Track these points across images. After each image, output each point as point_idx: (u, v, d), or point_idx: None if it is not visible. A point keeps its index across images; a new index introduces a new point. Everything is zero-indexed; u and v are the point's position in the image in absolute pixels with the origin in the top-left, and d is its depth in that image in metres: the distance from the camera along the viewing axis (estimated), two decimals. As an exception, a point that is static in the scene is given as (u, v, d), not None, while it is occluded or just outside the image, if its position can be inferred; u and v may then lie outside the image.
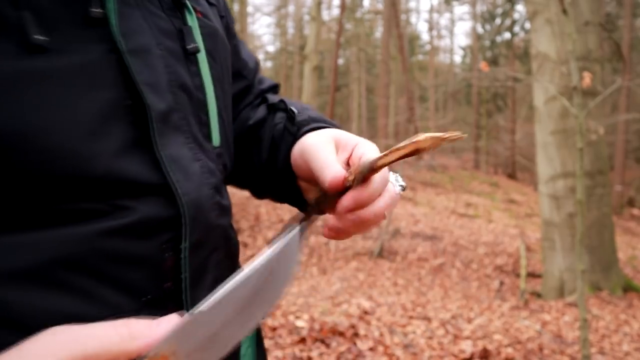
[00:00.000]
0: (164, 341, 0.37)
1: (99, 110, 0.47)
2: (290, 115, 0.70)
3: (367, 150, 0.55)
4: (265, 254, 0.44)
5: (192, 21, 0.60)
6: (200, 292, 0.52)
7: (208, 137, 0.60)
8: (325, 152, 0.57)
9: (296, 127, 0.68)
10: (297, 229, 0.47)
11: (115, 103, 0.48)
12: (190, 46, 0.58)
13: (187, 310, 0.45)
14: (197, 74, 0.60)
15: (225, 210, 0.60)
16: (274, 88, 0.83)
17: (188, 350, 0.38)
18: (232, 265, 0.62)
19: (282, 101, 0.74)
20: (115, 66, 0.49)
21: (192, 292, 0.52)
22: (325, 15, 23.69)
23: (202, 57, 0.61)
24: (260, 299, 0.42)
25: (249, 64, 0.81)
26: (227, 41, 0.70)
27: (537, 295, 6.20)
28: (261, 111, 0.75)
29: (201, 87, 0.60)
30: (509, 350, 3.90)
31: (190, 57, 0.59)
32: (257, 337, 0.68)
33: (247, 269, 0.42)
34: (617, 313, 5.22)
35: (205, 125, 0.60)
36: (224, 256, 0.59)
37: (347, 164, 0.56)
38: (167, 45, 0.55)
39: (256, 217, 8.20)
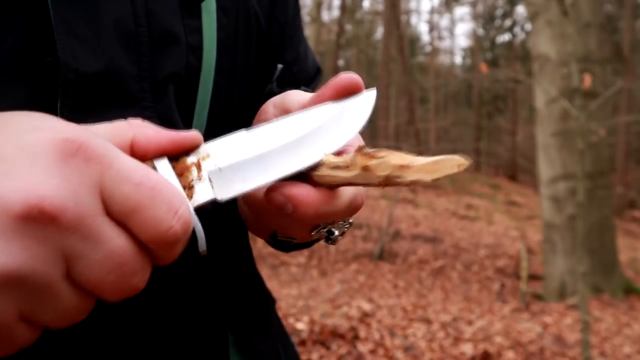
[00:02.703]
0: (204, 146, 0.37)
1: None
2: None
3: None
4: (336, 103, 0.43)
5: None
6: None
7: (187, 117, 0.49)
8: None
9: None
10: (374, 91, 0.45)
11: (23, 57, 0.38)
12: None
13: None
14: (198, 30, 0.48)
15: None
16: None
17: (223, 163, 0.38)
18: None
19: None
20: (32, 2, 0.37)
21: None
22: (325, 16, 23.73)
23: (209, 9, 0.49)
24: (315, 141, 0.41)
25: (305, 64, 0.69)
26: (265, 16, 0.57)
27: (538, 297, 6.19)
28: None
29: (199, 49, 0.48)
30: (510, 352, 3.88)
31: (191, 4, 0.47)
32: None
33: (313, 110, 0.42)
34: (618, 315, 5.20)
35: (189, 100, 0.48)
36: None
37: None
38: None
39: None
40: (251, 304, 0.61)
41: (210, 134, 0.50)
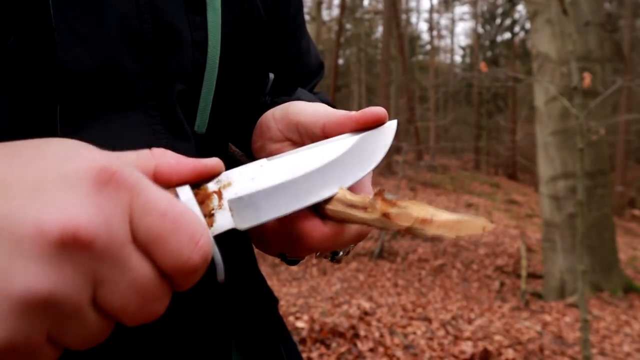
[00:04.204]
0: (225, 174, 0.38)
1: None
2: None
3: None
4: (356, 135, 0.44)
5: None
6: None
7: (190, 115, 0.48)
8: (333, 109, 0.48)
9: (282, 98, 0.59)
10: (394, 123, 0.46)
11: (25, 56, 0.38)
12: None
13: None
14: (203, 26, 0.47)
15: None
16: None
17: (243, 191, 0.38)
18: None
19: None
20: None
21: None
22: (325, 15, 23.71)
23: (214, 5, 0.48)
24: (335, 173, 0.42)
25: (308, 59, 0.68)
26: (267, 11, 0.56)
27: (538, 296, 6.19)
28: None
29: (204, 46, 0.47)
30: (510, 351, 3.89)
31: (196, 0, 0.46)
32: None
33: (332, 142, 0.43)
34: (618, 314, 5.21)
35: (192, 97, 0.47)
36: None
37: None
38: None
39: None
40: (254, 306, 0.61)
41: (212, 133, 0.50)
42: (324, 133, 0.46)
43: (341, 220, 0.41)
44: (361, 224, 0.40)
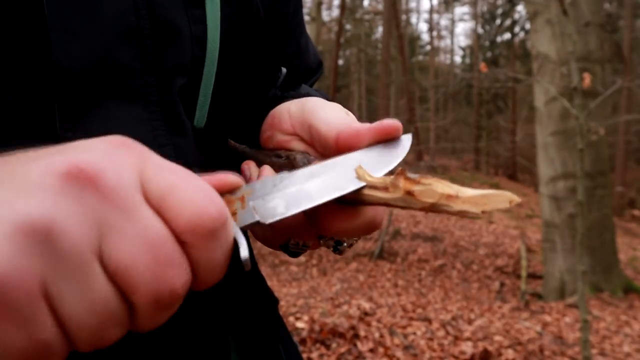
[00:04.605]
0: (245, 186, 0.38)
1: None
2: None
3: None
4: (373, 148, 0.44)
5: None
6: None
7: (190, 110, 0.47)
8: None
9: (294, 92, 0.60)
10: (410, 135, 0.45)
11: (21, 54, 0.37)
12: None
13: None
14: (202, 20, 0.47)
15: None
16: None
17: (267, 195, 0.38)
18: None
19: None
20: None
21: None
22: (326, 15, 23.71)
23: None
24: (350, 179, 0.41)
25: (307, 57, 0.68)
26: (266, 8, 0.57)
27: (538, 296, 6.19)
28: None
29: (203, 40, 0.47)
30: (510, 351, 3.89)
31: None
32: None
33: (348, 156, 0.43)
34: (618, 314, 5.21)
35: (191, 92, 0.47)
36: None
37: None
38: None
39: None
40: (254, 307, 0.60)
41: (211, 128, 0.50)
42: (337, 144, 0.45)
43: (360, 203, 0.40)
44: (381, 204, 0.39)
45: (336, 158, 0.43)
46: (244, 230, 0.37)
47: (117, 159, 0.29)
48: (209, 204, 0.30)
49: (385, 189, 0.38)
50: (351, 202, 0.40)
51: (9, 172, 0.27)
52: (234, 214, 0.36)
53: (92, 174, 0.27)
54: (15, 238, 0.24)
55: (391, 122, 0.44)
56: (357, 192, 0.39)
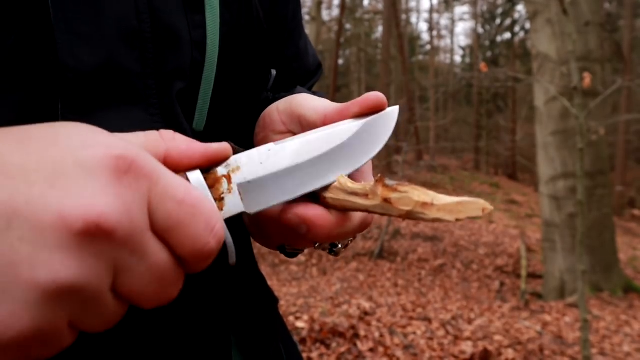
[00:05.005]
0: (233, 158, 0.39)
1: None
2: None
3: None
4: (359, 121, 0.45)
5: None
6: None
7: (189, 113, 0.48)
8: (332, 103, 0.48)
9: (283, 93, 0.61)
10: (396, 108, 0.47)
11: (25, 55, 0.37)
12: None
13: None
14: (202, 25, 0.47)
15: None
16: None
17: (252, 175, 0.39)
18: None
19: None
20: None
21: None
22: (326, 15, 23.71)
23: (212, 4, 0.48)
24: (339, 159, 0.42)
25: (306, 59, 0.69)
26: (265, 11, 0.57)
27: (538, 296, 6.20)
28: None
29: (202, 44, 0.47)
30: (510, 351, 3.89)
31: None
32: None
33: (338, 127, 0.43)
34: (618, 314, 5.21)
35: (191, 96, 0.48)
36: None
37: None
38: None
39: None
40: (254, 305, 0.61)
41: (210, 131, 0.50)
42: (325, 124, 0.46)
43: (342, 209, 0.41)
44: (362, 211, 0.40)
45: (325, 128, 0.44)
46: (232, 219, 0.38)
47: (128, 197, 0.30)
48: (210, 237, 0.33)
49: (365, 195, 0.39)
50: (333, 208, 0.41)
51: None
52: (220, 199, 0.38)
53: (108, 230, 0.28)
54: (42, 300, 0.27)
55: (375, 95, 0.45)
56: (339, 200, 0.41)
